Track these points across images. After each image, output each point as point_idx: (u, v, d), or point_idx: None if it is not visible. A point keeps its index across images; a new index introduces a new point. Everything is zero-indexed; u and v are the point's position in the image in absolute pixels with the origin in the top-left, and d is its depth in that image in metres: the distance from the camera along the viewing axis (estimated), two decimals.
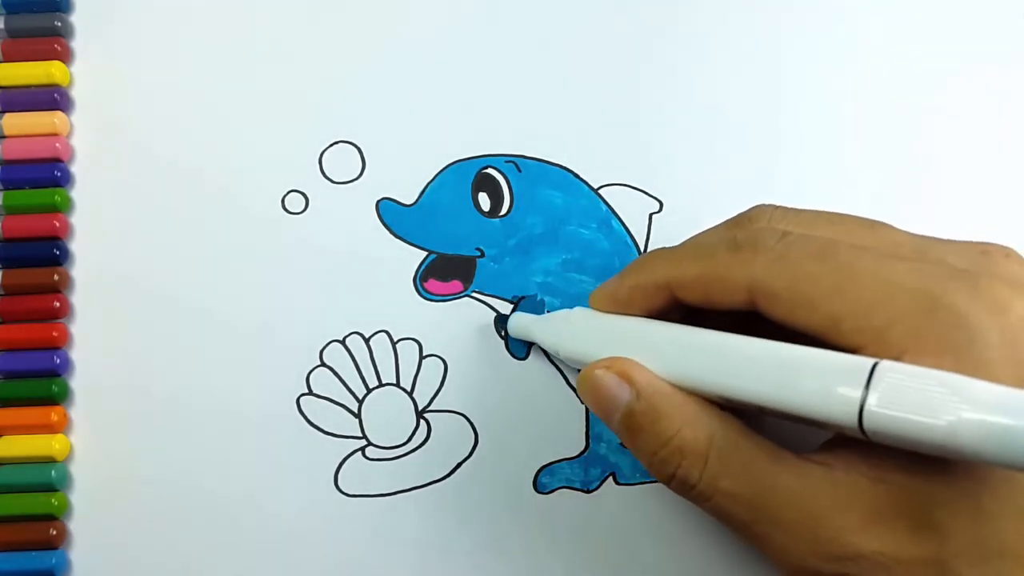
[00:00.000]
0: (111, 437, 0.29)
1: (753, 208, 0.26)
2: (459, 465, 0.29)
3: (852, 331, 0.21)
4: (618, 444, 0.29)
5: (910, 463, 0.21)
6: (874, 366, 0.19)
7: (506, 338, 0.30)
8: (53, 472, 0.29)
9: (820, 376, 0.20)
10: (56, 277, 0.30)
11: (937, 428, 0.18)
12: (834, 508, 0.21)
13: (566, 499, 0.29)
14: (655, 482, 0.29)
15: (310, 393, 0.29)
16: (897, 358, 0.20)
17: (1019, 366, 0.20)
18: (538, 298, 0.30)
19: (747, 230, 0.24)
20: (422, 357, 0.30)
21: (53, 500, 0.29)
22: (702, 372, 0.23)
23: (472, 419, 0.29)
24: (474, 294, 0.30)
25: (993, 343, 0.20)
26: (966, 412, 0.18)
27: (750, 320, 0.24)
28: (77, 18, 0.31)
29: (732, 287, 0.23)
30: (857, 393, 0.19)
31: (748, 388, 0.22)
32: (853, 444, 0.22)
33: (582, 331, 0.26)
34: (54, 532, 0.29)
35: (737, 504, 0.22)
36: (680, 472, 0.23)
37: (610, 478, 0.29)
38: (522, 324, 0.29)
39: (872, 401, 0.19)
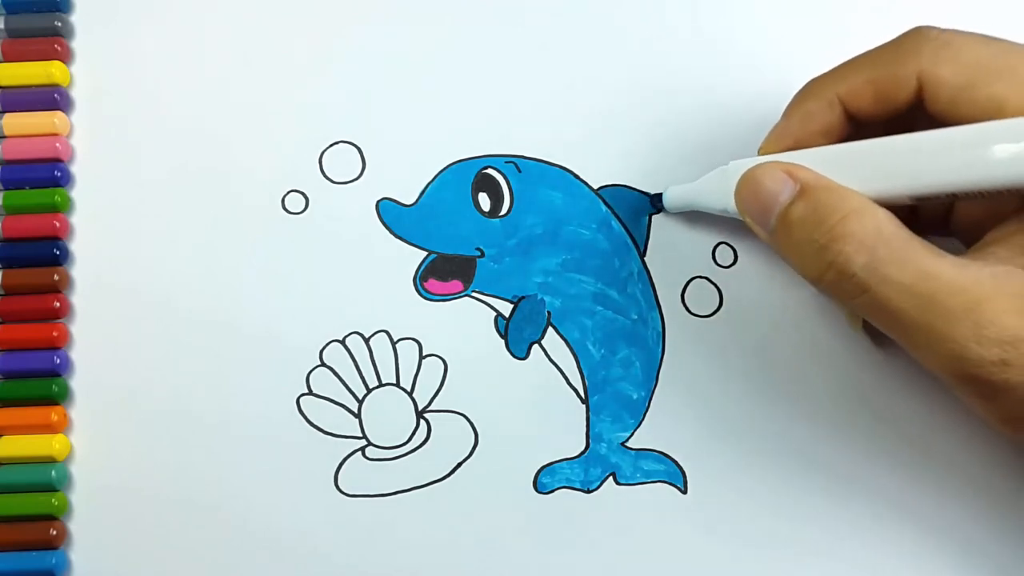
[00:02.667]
0: (111, 437, 0.29)
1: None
2: (459, 465, 0.29)
3: (1016, 110, 0.21)
4: (618, 444, 0.29)
5: None
6: None
7: (506, 338, 0.30)
8: (53, 472, 0.29)
9: (976, 148, 0.21)
10: (56, 277, 0.30)
11: None
12: (995, 293, 0.22)
13: (566, 499, 0.29)
14: (655, 482, 0.29)
15: (310, 393, 0.29)
16: None
17: None
18: (538, 298, 0.30)
19: (911, 29, 0.24)
20: (422, 357, 0.30)
21: (53, 500, 0.29)
22: (855, 177, 0.23)
23: (472, 419, 0.29)
24: (474, 294, 0.30)
25: None
26: None
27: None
28: (77, 18, 0.31)
29: (902, 80, 0.23)
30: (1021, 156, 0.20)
31: (940, 179, 0.22)
32: (1009, 245, 0.23)
33: (740, 173, 0.26)
34: (54, 532, 0.29)
35: (899, 292, 0.22)
36: (840, 259, 0.23)
37: (610, 478, 0.29)
38: (678, 195, 0.29)
39: None
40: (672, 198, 0.29)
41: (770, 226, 0.24)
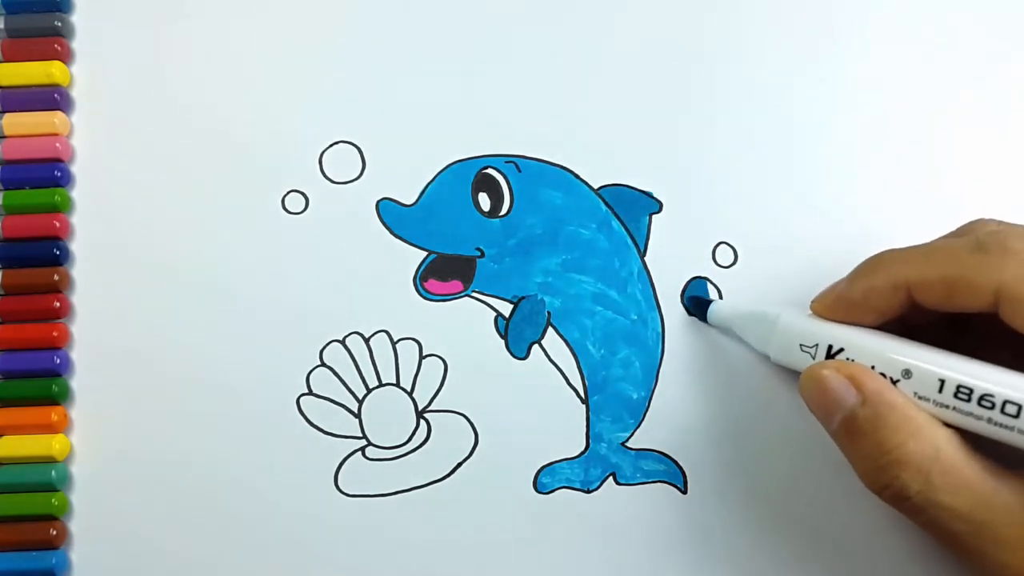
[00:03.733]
0: (111, 437, 0.29)
1: (975, 220, 0.26)
2: (459, 465, 0.29)
3: None
4: (618, 444, 0.29)
5: None
6: None
7: (506, 338, 0.30)
8: (53, 472, 0.29)
9: None
10: (56, 277, 0.30)
11: None
12: None
13: (566, 499, 0.29)
14: (655, 482, 0.29)
15: (310, 393, 0.29)
16: None
17: None
18: (538, 298, 0.30)
19: (991, 232, 0.24)
20: (422, 357, 0.30)
21: (53, 500, 0.29)
22: (923, 388, 0.23)
23: (472, 419, 0.29)
24: (474, 294, 0.30)
25: None
26: None
27: (957, 331, 0.24)
28: (77, 18, 0.31)
29: (978, 289, 0.23)
30: None
31: (970, 424, 0.23)
32: None
33: (791, 334, 0.26)
34: (54, 532, 0.29)
35: (954, 519, 0.22)
36: (897, 484, 0.23)
37: (610, 478, 0.29)
38: (723, 315, 0.29)
39: None
40: (716, 315, 0.29)
41: (832, 429, 0.24)
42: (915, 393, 0.23)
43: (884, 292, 0.25)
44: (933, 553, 0.29)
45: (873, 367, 0.24)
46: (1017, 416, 0.22)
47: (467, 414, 0.29)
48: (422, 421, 0.29)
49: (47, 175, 0.30)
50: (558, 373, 0.29)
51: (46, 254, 0.30)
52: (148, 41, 0.31)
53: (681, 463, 0.29)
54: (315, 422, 0.29)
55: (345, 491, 0.29)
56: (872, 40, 0.31)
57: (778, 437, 0.29)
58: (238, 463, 0.29)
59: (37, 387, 0.29)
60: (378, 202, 0.30)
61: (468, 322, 0.30)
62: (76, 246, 0.30)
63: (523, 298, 0.30)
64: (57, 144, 0.30)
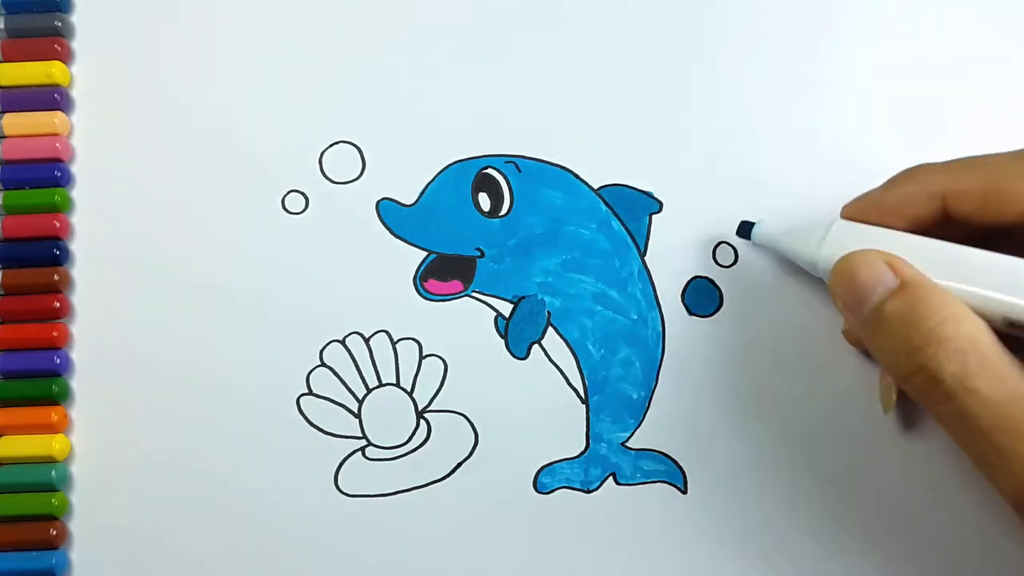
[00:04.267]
0: (111, 437, 0.29)
1: None
2: (459, 465, 0.29)
3: None
4: (618, 444, 0.29)
5: None
6: None
7: (506, 338, 0.30)
8: (53, 472, 0.29)
9: None
10: (56, 277, 0.30)
11: None
12: None
13: (566, 499, 0.29)
14: (655, 482, 0.29)
15: (310, 393, 0.29)
16: None
17: None
18: (538, 298, 0.30)
19: None
20: (422, 357, 0.30)
21: (53, 500, 0.29)
22: (957, 282, 0.23)
23: (472, 419, 0.29)
24: (474, 294, 0.30)
25: None
26: None
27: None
28: (77, 18, 0.31)
29: (1016, 197, 0.23)
30: None
31: (1004, 302, 0.22)
32: None
33: (844, 243, 0.25)
34: (54, 532, 0.29)
35: (986, 408, 0.22)
36: (932, 364, 0.22)
37: (610, 478, 0.29)
38: (768, 233, 0.28)
39: None
40: (761, 235, 0.29)
41: (863, 316, 0.24)
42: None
43: (920, 199, 0.24)
44: (932, 553, 0.29)
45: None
46: None
47: (467, 414, 0.29)
48: (422, 421, 0.29)
49: (47, 175, 0.30)
50: (558, 373, 0.29)
51: (46, 254, 0.30)
52: (148, 41, 0.31)
53: (681, 463, 0.29)
54: (315, 422, 0.29)
55: (345, 491, 0.29)
56: (872, 41, 0.31)
57: (778, 437, 0.29)
58: (238, 463, 0.29)
59: (37, 387, 0.29)
60: (378, 202, 0.30)
61: (468, 322, 0.30)
62: (76, 246, 0.30)
63: (523, 298, 0.30)
64: (57, 144, 0.30)
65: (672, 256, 0.30)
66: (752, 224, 0.29)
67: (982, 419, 0.22)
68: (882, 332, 0.23)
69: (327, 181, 0.30)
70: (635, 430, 0.29)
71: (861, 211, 0.26)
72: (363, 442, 0.29)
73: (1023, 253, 0.24)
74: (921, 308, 0.23)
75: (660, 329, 0.30)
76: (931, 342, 0.22)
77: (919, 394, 0.23)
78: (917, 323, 0.22)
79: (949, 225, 0.25)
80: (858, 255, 0.24)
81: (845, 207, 0.27)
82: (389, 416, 0.29)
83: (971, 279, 0.23)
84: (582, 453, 0.29)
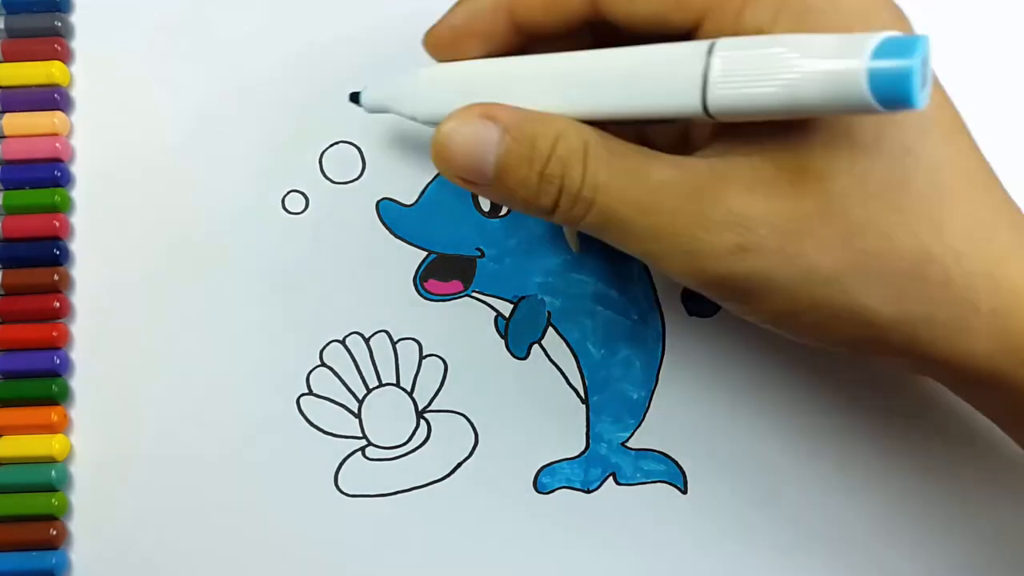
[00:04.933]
0: (111, 437, 0.29)
1: None
2: (459, 465, 0.29)
3: (692, 1, 0.21)
4: (618, 444, 0.29)
5: (783, 129, 0.20)
6: (711, 45, 0.19)
7: (506, 338, 0.30)
8: (53, 472, 0.29)
9: (661, 68, 0.20)
10: (56, 277, 0.30)
11: (777, 93, 0.18)
12: (717, 180, 0.21)
13: (566, 499, 0.29)
14: (655, 482, 0.29)
15: (310, 393, 0.29)
16: (736, 21, 0.20)
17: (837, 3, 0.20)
18: (538, 298, 0.30)
19: None
20: (422, 357, 0.30)
21: (53, 500, 0.29)
22: (548, 97, 0.22)
23: (472, 419, 0.29)
24: (474, 294, 0.30)
25: None
26: (799, 69, 0.18)
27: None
28: (77, 18, 0.31)
29: None
30: (698, 75, 0.19)
31: (592, 103, 0.21)
32: (724, 137, 0.22)
33: (432, 85, 0.25)
34: (54, 532, 0.29)
35: (621, 200, 0.21)
36: (566, 183, 0.22)
37: (610, 478, 0.29)
38: (377, 98, 0.27)
39: (713, 81, 0.19)
40: (370, 100, 0.27)
41: (489, 179, 0.22)
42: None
43: (484, 15, 0.23)
44: (932, 553, 0.29)
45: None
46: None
47: (467, 414, 0.29)
48: (422, 421, 0.29)
49: (47, 175, 0.30)
50: (558, 373, 0.30)
51: (46, 254, 0.30)
52: (148, 41, 0.31)
53: (681, 463, 0.29)
54: (315, 422, 0.29)
55: (345, 491, 0.29)
56: None
57: (778, 436, 0.29)
58: (238, 463, 0.29)
59: (37, 387, 0.29)
60: (378, 202, 0.30)
61: (468, 322, 0.30)
62: (76, 246, 0.30)
63: (523, 298, 0.30)
64: (57, 144, 0.30)
65: None
66: (358, 93, 0.28)
67: (623, 211, 0.21)
68: (511, 182, 0.22)
69: (327, 181, 0.30)
70: (635, 430, 0.29)
71: (434, 39, 0.25)
72: (363, 442, 0.29)
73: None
74: (531, 140, 0.22)
75: (660, 329, 0.30)
76: (555, 165, 0.22)
77: (571, 220, 0.22)
78: (537, 157, 0.22)
79: (536, 45, 0.24)
80: (447, 123, 0.22)
81: (424, 39, 0.25)
82: (389, 416, 0.29)
83: (563, 93, 0.22)
84: (582, 453, 0.29)
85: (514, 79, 0.23)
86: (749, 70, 0.19)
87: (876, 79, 0.17)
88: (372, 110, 0.28)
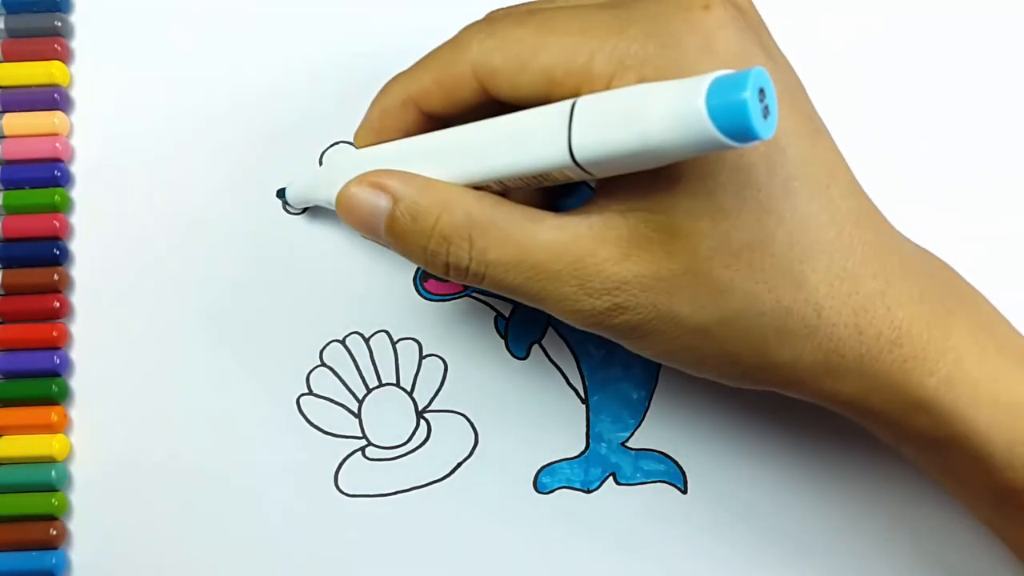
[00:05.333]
0: (111, 437, 0.29)
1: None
2: (459, 465, 0.29)
3: (564, 77, 0.22)
4: (618, 444, 0.29)
5: (652, 188, 0.22)
6: (574, 103, 0.20)
7: (506, 338, 0.30)
8: (53, 472, 0.29)
9: (532, 126, 0.21)
10: (56, 277, 0.30)
11: (631, 139, 0.19)
12: (593, 246, 0.22)
13: (566, 499, 0.29)
14: (655, 482, 0.29)
15: (310, 393, 0.29)
16: (607, 87, 0.21)
17: (711, 53, 0.21)
18: None
19: (465, 28, 0.25)
20: (422, 357, 0.30)
21: (53, 500, 0.29)
22: (440, 167, 0.23)
23: (472, 419, 0.29)
24: (474, 294, 0.30)
25: (685, 40, 0.21)
26: (649, 111, 0.19)
27: None
28: (77, 18, 0.31)
29: (461, 78, 0.23)
30: (563, 128, 0.20)
31: (477, 167, 0.23)
32: (605, 192, 0.23)
33: (341, 169, 0.26)
34: (54, 532, 0.29)
35: (508, 271, 0.23)
36: (451, 258, 0.23)
37: (610, 478, 0.29)
38: (298, 190, 0.29)
39: (576, 132, 0.20)
40: (294, 194, 0.29)
41: (383, 240, 0.25)
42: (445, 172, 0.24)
43: (396, 111, 0.25)
44: (933, 553, 0.29)
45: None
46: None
47: (467, 414, 0.29)
48: (422, 421, 0.29)
49: (47, 175, 0.30)
50: (558, 373, 0.30)
51: (46, 254, 0.30)
52: (148, 41, 0.31)
53: (681, 463, 0.29)
54: (315, 422, 0.29)
55: (345, 491, 0.29)
56: (872, 42, 0.31)
57: (778, 436, 0.29)
58: (238, 463, 0.29)
59: (37, 387, 0.29)
60: None
61: (468, 322, 0.30)
62: (76, 246, 0.30)
63: None
64: (57, 144, 0.30)
65: None
66: (284, 189, 0.29)
67: (513, 280, 0.23)
68: (403, 247, 0.24)
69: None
70: (635, 430, 0.29)
71: (360, 138, 0.26)
72: (363, 442, 0.29)
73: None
74: (416, 213, 0.23)
75: None
76: (439, 240, 0.23)
77: (462, 281, 0.24)
78: (421, 230, 0.23)
79: (450, 124, 0.25)
80: (350, 187, 0.24)
81: (355, 140, 0.27)
82: (389, 416, 0.29)
83: (452, 162, 0.23)
84: (582, 453, 0.29)
85: (411, 154, 0.25)
86: (606, 117, 0.20)
87: (716, 113, 0.18)
88: (296, 204, 0.29)
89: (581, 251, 0.22)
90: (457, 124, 0.24)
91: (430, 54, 0.25)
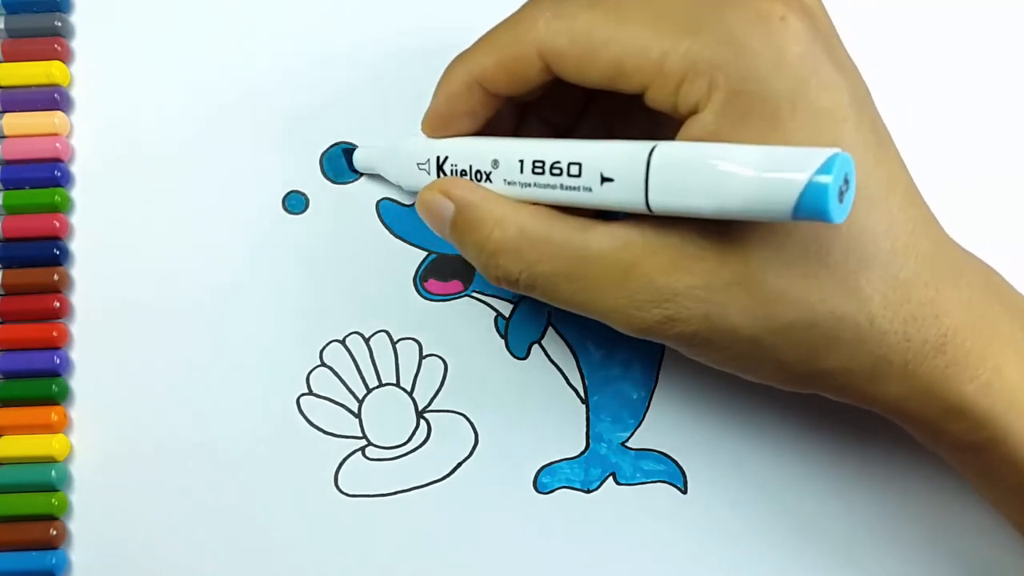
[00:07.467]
0: (111, 437, 0.29)
1: None
2: (459, 465, 0.29)
3: (634, 72, 0.22)
4: (618, 444, 0.29)
5: None
6: (651, 152, 0.21)
7: (506, 338, 0.30)
8: (53, 472, 0.29)
9: (608, 167, 0.22)
10: (56, 277, 0.30)
11: (708, 204, 0.20)
12: (644, 256, 0.22)
13: (566, 499, 0.29)
14: (655, 482, 0.29)
15: (310, 393, 0.29)
16: (675, 94, 0.21)
17: (783, 68, 0.21)
18: None
19: (525, 4, 0.24)
20: (422, 357, 0.30)
21: (53, 500, 0.29)
22: (507, 187, 0.24)
23: (472, 419, 0.29)
24: (474, 294, 0.30)
25: (759, 50, 0.21)
26: (731, 182, 0.19)
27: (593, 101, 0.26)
28: (77, 18, 0.31)
29: (526, 58, 0.23)
30: (639, 182, 0.21)
31: (542, 196, 0.23)
32: None
33: (411, 154, 0.27)
34: (54, 532, 0.29)
35: (559, 283, 0.23)
36: (502, 271, 0.24)
37: (610, 478, 0.29)
38: (367, 157, 0.30)
39: (653, 188, 0.21)
40: (361, 159, 0.30)
41: (451, 242, 0.26)
42: (505, 180, 0.24)
43: (461, 96, 0.25)
44: (934, 553, 0.29)
45: (471, 167, 0.25)
46: (579, 175, 0.22)
47: (467, 414, 0.29)
48: (422, 421, 0.29)
49: (47, 175, 0.30)
50: (558, 373, 0.30)
51: (46, 254, 0.30)
52: (148, 41, 0.31)
53: (681, 463, 0.29)
54: (315, 422, 0.29)
55: (345, 491, 0.29)
56: (872, 42, 0.31)
57: (778, 436, 0.29)
58: (238, 463, 0.29)
59: (37, 387, 0.29)
60: (378, 202, 0.30)
61: (468, 322, 0.30)
62: (76, 246, 0.30)
63: (523, 298, 0.30)
64: (57, 144, 0.30)
65: None
66: (354, 148, 0.30)
67: (565, 292, 0.23)
68: (463, 252, 0.25)
69: (327, 181, 0.30)
70: (635, 430, 0.29)
71: (428, 126, 0.26)
72: (363, 442, 0.29)
73: (616, 112, 0.26)
74: (473, 225, 0.24)
75: None
76: (492, 253, 0.24)
77: (515, 290, 0.25)
78: (478, 241, 0.24)
79: (551, 106, 0.26)
80: (424, 192, 0.26)
81: (423, 127, 0.27)
82: (389, 416, 0.29)
83: (507, 176, 0.24)
84: (582, 453, 0.29)
85: (490, 153, 0.25)
86: (686, 176, 0.20)
87: (800, 200, 0.19)
88: (361, 169, 0.30)
89: (632, 260, 0.22)
90: (524, 99, 0.25)
91: (492, 32, 0.24)
